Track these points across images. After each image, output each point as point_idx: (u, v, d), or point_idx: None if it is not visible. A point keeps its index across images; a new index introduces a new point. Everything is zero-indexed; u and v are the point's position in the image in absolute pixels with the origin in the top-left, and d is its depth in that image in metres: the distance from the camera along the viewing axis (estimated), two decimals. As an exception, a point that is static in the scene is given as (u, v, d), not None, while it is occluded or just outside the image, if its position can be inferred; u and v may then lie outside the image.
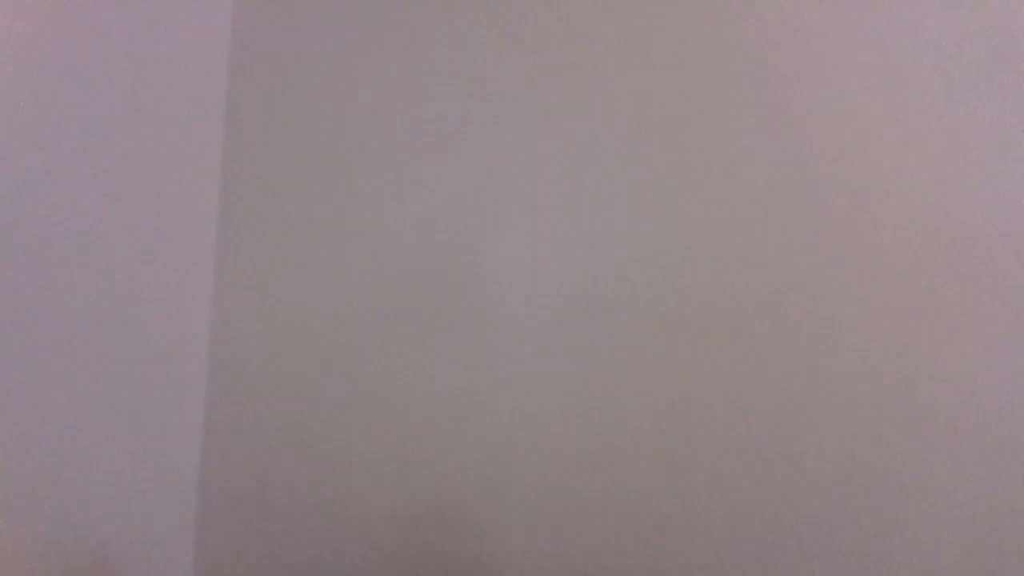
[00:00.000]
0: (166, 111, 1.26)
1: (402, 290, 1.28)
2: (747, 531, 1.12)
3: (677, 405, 1.15)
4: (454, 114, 1.28)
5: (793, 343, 1.12)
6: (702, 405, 1.15)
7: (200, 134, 1.35)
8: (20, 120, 1.04)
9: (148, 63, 1.22)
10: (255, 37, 1.38)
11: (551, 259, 1.22)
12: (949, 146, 1.09)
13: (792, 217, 1.14)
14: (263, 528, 1.33)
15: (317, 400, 1.32)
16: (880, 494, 1.08)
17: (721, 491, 1.14)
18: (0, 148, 1.02)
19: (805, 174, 1.13)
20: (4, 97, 1.02)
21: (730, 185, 1.16)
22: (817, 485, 1.10)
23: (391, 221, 1.30)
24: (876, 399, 1.09)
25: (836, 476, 1.10)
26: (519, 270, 1.23)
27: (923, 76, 1.10)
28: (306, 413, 1.32)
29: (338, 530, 1.29)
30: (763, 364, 1.13)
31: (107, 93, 1.16)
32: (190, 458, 1.35)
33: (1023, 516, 1.04)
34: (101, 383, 1.18)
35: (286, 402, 1.33)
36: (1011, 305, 1.06)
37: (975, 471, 1.05)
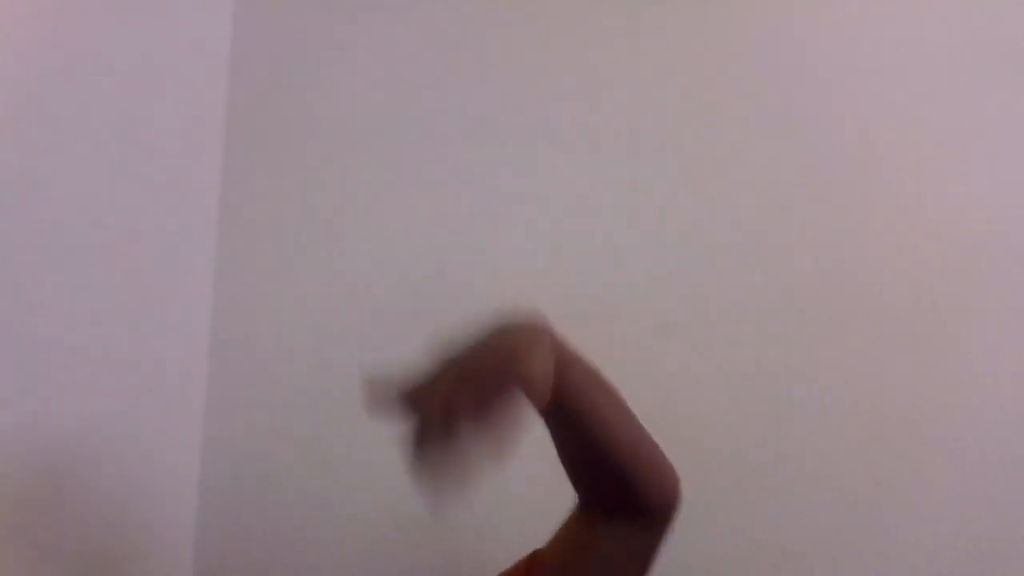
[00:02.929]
0: (166, 111, 1.26)
1: (402, 290, 1.28)
2: (746, 532, 1.12)
3: (676, 405, 1.15)
4: (455, 115, 1.28)
5: (793, 343, 1.12)
6: (701, 406, 1.15)
7: (200, 134, 1.35)
8: (18, 120, 1.04)
9: (148, 63, 1.22)
10: (255, 37, 1.38)
11: (550, 260, 1.22)
12: (950, 146, 1.09)
13: (792, 218, 1.14)
14: (263, 528, 1.33)
15: (317, 400, 1.32)
16: (880, 494, 1.08)
17: (719, 491, 1.14)
18: None
19: (806, 175, 1.14)
20: (3, 96, 1.02)
21: (731, 186, 1.16)
22: (817, 486, 1.10)
23: (391, 221, 1.30)
24: (877, 400, 1.09)
25: (836, 477, 1.10)
26: (518, 271, 1.23)
27: (924, 76, 1.10)
28: (306, 413, 1.32)
29: (338, 530, 1.29)
30: (763, 365, 1.13)
31: (107, 93, 1.16)
32: (190, 458, 1.35)
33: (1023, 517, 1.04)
34: (101, 383, 1.18)
35: (286, 402, 1.33)
36: (1012, 306, 1.06)
37: (975, 472, 1.05)
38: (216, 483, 1.35)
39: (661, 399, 1.15)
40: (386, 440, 1.30)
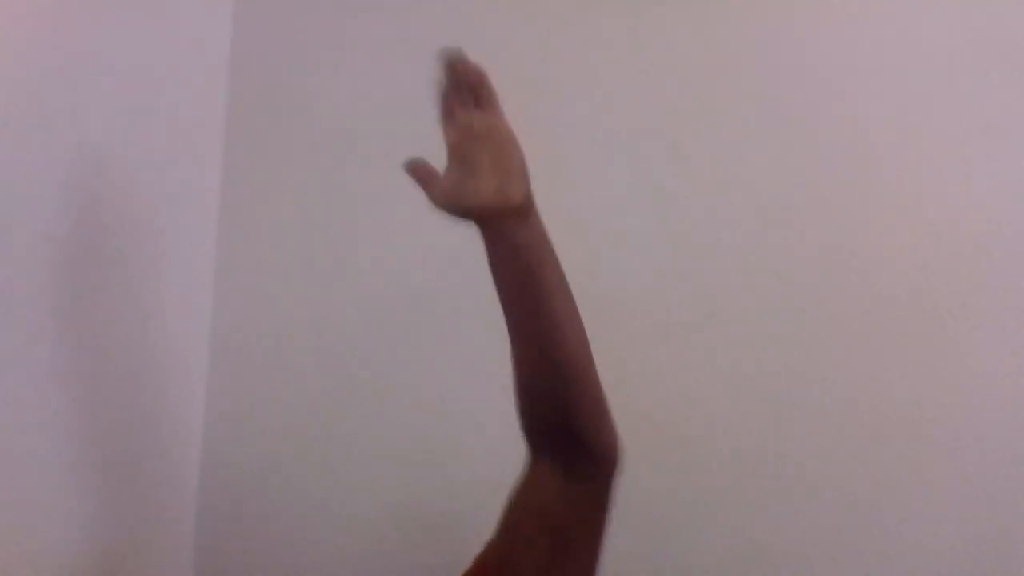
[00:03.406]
0: (166, 111, 1.26)
1: (402, 290, 1.28)
2: (747, 532, 1.12)
3: (676, 405, 1.15)
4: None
5: (794, 343, 1.12)
6: (701, 406, 1.15)
7: (200, 134, 1.35)
8: (18, 120, 1.04)
9: (148, 63, 1.22)
10: (255, 37, 1.38)
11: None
12: (950, 146, 1.09)
13: (793, 218, 1.14)
14: (263, 529, 1.33)
15: (317, 400, 1.32)
16: (881, 495, 1.08)
17: (720, 492, 1.14)
18: None
19: (806, 175, 1.14)
20: (3, 96, 1.02)
21: (731, 186, 1.16)
22: (817, 486, 1.10)
23: (391, 221, 1.30)
24: (877, 399, 1.09)
25: (836, 477, 1.10)
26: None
27: (924, 75, 1.10)
28: (306, 413, 1.32)
29: (338, 530, 1.29)
30: (763, 365, 1.13)
31: (107, 93, 1.16)
32: (190, 458, 1.35)
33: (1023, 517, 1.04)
34: (100, 383, 1.18)
35: (286, 402, 1.33)
36: (1012, 306, 1.06)
37: (975, 472, 1.05)
38: (216, 483, 1.35)
39: (661, 399, 1.15)
40: (386, 440, 1.30)
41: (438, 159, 1.35)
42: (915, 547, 1.06)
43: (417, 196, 1.30)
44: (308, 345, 1.32)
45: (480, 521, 1.24)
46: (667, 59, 1.19)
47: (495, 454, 1.21)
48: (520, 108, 1.26)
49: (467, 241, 1.30)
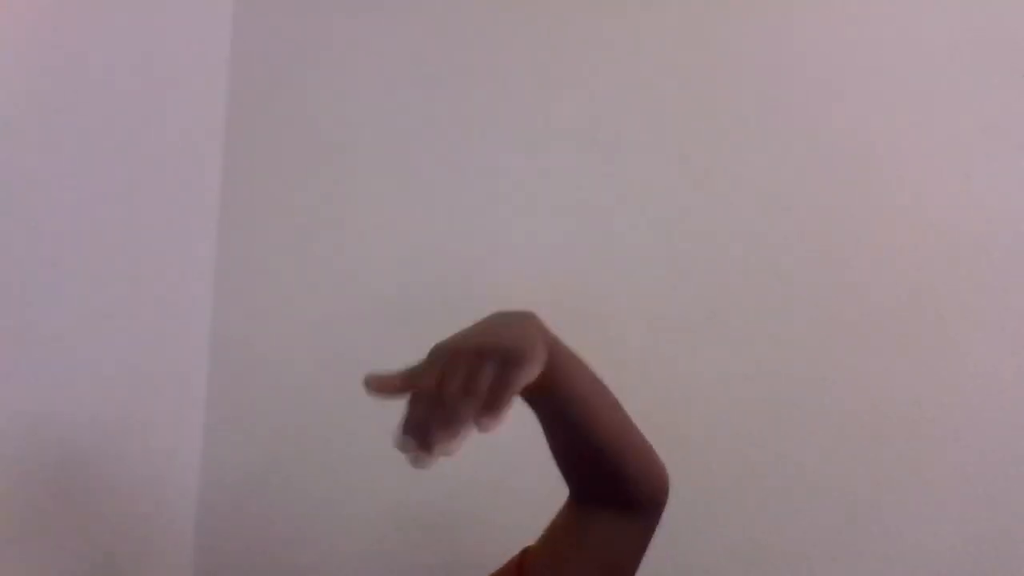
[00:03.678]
0: (166, 111, 1.26)
1: (402, 290, 1.28)
2: (747, 532, 1.12)
3: (676, 405, 1.15)
4: (454, 115, 1.28)
5: (794, 343, 1.12)
6: (701, 406, 1.15)
7: (200, 134, 1.35)
8: (18, 120, 1.04)
9: (148, 63, 1.22)
10: (255, 37, 1.38)
11: (549, 260, 1.22)
12: (950, 146, 1.09)
13: (793, 218, 1.14)
14: (263, 529, 1.33)
15: (317, 400, 1.32)
16: (881, 495, 1.08)
17: (720, 492, 1.13)
18: None
19: (806, 175, 1.13)
20: (3, 96, 1.02)
21: (731, 186, 1.16)
22: (817, 486, 1.10)
23: (391, 221, 1.30)
24: (877, 400, 1.09)
25: (836, 477, 1.10)
26: (519, 270, 1.23)
27: (924, 75, 1.10)
28: (306, 413, 1.32)
29: (338, 530, 1.29)
30: (763, 365, 1.13)
31: (107, 93, 1.16)
32: (190, 458, 1.35)
33: (1023, 517, 1.04)
34: (101, 384, 1.18)
35: (286, 402, 1.33)
36: (1012, 306, 1.06)
37: (975, 472, 1.05)
38: (216, 483, 1.35)
39: (661, 399, 1.15)
40: (386, 440, 1.30)
41: (435, 158, 1.36)
42: (915, 547, 1.06)
43: (416, 196, 1.30)
44: (308, 345, 1.33)
45: (480, 521, 1.24)
46: (667, 59, 1.19)
47: (495, 454, 1.21)
48: (520, 108, 1.26)
49: (467, 242, 1.30)
